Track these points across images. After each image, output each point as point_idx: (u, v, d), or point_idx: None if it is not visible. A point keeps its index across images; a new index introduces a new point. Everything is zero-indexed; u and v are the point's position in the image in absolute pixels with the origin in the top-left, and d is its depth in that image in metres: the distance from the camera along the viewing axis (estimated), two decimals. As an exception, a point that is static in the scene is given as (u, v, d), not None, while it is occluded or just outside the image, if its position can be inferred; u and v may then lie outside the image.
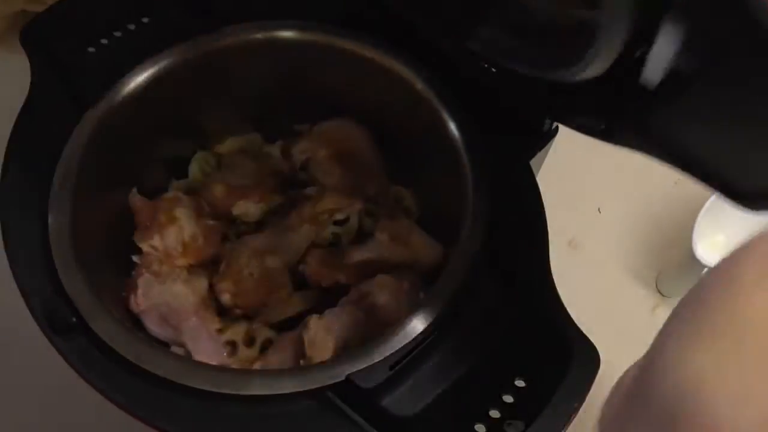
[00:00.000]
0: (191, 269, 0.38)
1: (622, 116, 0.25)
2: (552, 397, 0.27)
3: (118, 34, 0.36)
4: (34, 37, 0.36)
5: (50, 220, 0.31)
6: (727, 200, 0.23)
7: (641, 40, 0.22)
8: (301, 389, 0.27)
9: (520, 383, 0.28)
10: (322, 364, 0.30)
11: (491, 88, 0.33)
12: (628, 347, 0.45)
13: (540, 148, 0.37)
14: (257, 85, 0.40)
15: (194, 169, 0.43)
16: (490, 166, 0.34)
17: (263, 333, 0.37)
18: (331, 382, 0.28)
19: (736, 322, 0.16)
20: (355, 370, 0.28)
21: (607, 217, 0.53)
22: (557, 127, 0.37)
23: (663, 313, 0.48)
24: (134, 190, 0.38)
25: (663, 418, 0.17)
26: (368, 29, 0.37)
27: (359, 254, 0.38)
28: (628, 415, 0.18)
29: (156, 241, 0.37)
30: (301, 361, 0.33)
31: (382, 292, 0.35)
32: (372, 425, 0.27)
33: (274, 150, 0.44)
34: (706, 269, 0.43)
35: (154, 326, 0.35)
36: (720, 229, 0.47)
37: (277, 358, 0.34)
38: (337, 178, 0.41)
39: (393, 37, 0.36)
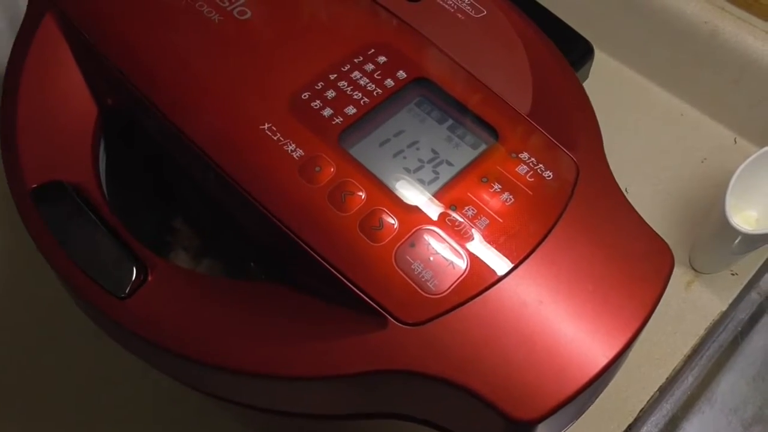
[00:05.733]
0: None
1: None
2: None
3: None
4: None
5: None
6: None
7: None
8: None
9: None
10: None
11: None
12: (663, 323, 0.46)
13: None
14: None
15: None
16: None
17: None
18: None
19: None
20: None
21: (635, 196, 0.53)
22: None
23: (697, 289, 0.48)
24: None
25: None
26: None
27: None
28: None
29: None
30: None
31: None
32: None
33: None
34: (740, 237, 0.43)
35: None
36: (752, 205, 0.47)
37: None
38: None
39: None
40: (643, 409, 0.44)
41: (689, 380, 0.45)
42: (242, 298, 0.27)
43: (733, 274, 0.49)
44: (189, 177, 0.31)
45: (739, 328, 0.47)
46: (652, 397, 0.44)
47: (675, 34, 0.56)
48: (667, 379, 0.45)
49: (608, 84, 0.59)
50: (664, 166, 0.55)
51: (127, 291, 0.26)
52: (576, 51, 0.42)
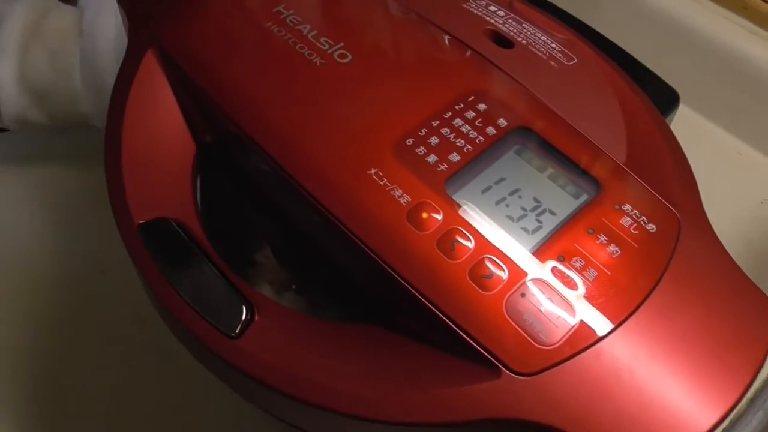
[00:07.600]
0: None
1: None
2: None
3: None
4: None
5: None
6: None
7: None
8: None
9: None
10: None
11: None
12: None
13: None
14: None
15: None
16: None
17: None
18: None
19: None
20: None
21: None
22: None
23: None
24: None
25: None
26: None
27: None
28: None
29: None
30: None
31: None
32: None
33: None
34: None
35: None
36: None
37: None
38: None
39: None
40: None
41: (753, 423, 0.45)
42: (348, 340, 0.27)
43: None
44: (285, 215, 0.32)
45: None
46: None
47: (734, 73, 0.56)
48: (730, 421, 0.45)
49: (664, 121, 0.59)
50: (719, 207, 0.54)
51: (237, 331, 0.27)
52: (661, 99, 0.42)
